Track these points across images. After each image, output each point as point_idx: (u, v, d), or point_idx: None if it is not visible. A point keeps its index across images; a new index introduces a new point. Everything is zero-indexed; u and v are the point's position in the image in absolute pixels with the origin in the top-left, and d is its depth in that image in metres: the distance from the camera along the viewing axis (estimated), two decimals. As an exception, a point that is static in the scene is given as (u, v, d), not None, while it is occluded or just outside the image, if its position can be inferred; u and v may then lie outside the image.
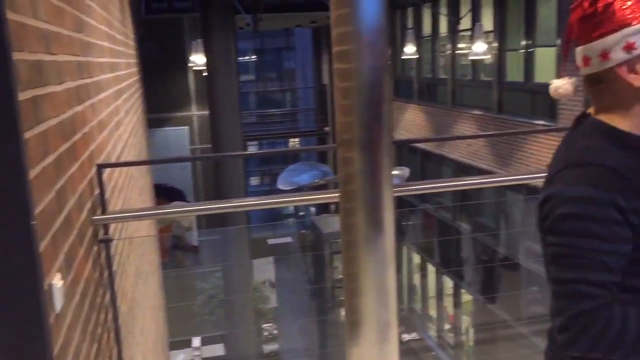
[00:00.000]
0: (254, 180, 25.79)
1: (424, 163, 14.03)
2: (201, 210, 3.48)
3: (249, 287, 10.45)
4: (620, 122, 1.31)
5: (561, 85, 1.42)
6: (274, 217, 20.52)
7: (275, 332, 11.72)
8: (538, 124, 9.36)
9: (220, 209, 3.12)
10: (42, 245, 1.41)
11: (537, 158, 9.16)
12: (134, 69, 6.17)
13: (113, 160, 3.10)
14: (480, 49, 9.97)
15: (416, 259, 14.35)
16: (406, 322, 13.06)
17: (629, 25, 1.25)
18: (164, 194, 12.28)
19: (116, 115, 3.55)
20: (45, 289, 1.39)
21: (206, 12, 10.38)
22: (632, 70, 1.27)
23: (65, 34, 2.01)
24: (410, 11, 14.48)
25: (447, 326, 12.84)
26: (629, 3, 1.25)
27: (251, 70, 27.10)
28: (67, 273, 1.66)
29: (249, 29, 14.44)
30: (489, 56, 10.50)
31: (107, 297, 2.43)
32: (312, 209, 18.46)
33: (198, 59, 11.55)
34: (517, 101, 10.46)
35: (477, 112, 11.50)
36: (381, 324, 2.06)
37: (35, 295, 1.32)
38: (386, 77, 1.97)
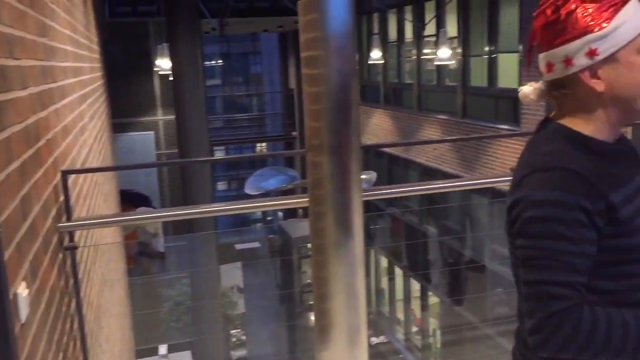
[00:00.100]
0: (221, 186, 25.64)
1: (390, 167, 14.13)
2: (168, 216, 3.35)
3: (217, 293, 10.37)
4: (582, 126, 1.34)
5: (530, 92, 1.45)
6: (241, 222, 20.42)
7: (244, 338, 11.65)
8: (502, 128, 9.52)
9: (187, 214, 3.09)
10: (7, 254, 1.38)
11: (501, 162, 9.31)
12: (99, 74, 6.09)
13: (78, 166, 3.05)
14: (444, 55, 10.13)
15: (384, 262, 14.43)
16: (374, 325, 13.11)
17: (591, 31, 1.28)
18: (130, 200, 12.15)
19: (80, 121, 3.50)
20: (11, 298, 1.36)
21: (172, 17, 10.29)
22: (594, 76, 1.30)
23: (29, 38, 1.98)
24: (376, 17, 14.59)
25: (414, 329, 12.94)
26: (590, 10, 1.28)
27: (218, 74, 26.97)
28: (32, 282, 1.63)
29: (215, 34, 14.36)
30: (453, 61, 10.67)
31: (73, 305, 2.39)
32: (280, 214, 18.41)
33: (164, 63, 11.45)
34: (481, 106, 10.62)
35: (442, 116, 11.63)
36: (351, 327, 2.07)
37: (1, 305, 1.30)
38: (354, 82, 1.98)
